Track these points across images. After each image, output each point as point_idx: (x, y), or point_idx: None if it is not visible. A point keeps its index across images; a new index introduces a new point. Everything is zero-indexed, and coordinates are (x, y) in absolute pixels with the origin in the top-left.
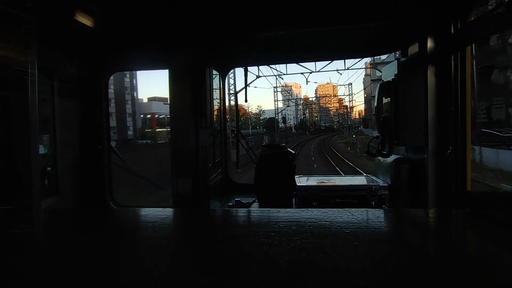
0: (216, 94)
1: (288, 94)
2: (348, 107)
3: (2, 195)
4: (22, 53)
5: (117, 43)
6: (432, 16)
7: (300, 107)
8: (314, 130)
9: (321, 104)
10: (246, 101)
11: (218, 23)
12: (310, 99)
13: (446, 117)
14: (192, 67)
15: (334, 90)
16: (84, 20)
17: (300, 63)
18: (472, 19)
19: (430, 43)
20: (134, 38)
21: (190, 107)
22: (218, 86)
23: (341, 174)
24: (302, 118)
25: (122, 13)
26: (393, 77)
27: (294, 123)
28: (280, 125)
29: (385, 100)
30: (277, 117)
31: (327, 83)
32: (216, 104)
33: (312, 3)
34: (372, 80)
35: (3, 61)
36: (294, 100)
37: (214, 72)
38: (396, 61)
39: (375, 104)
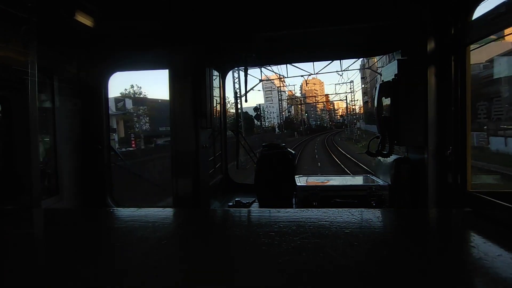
0: (216, 94)
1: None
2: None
3: (2, 195)
4: (22, 53)
5: (117, 43)
6: (432, 16)
7: (285, 103)
8: (304, 130)
9: (307, 101)
10: (246, 101)
11: (218, 23)
12: (296, 94)
13: (446, 117)
14: (192, 67)
15: (321, 85)
16: (84, 20)
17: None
18: (472, 19)
19: (430, 43)
20: (134, 38)
21: (190, 107)
22: (218, 86)
23: (342, 174)
24: (288, 115)
25: (122, 13)
26: (393, 77)
27: (278, 122)
28: (255, 122)
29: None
30: (240, 111)
31: (313, 78)
32: (216, 104)
33: (313, 3)
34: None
35: (3, 61)
36: (277, 91)
37: (214, 72)
38: (396, 61)
39: (375, 104)
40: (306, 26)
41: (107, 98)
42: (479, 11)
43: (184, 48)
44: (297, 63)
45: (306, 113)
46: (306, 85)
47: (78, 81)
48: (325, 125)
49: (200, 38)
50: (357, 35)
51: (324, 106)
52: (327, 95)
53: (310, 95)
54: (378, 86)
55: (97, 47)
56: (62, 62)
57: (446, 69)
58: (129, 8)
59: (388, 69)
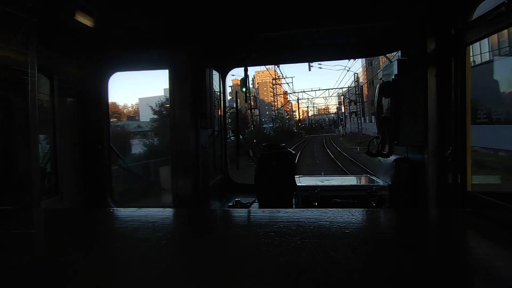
0: (215, 94)
1: None
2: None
3: (2, 195)
4: (22, 53)
5: (117, 43)
6: (432, 16)
7: (228, 99)
8: (250, 137)
9: (260, 97)
10: (246, 101)
11: (218, 23)
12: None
13: (446, 117)
14: (192, 67)
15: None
16: (84, 20)
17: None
18: (472, 19)
19: (430, 43)
20: (134, 38)
21: (190, 107)
22: (218, 86)
23: (342, 174)
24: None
25: (122, 13)
26: (393, 77)
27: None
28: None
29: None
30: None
31: (269, 69)
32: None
33: (313, 3)
34: None
35: (3, 61)
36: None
37: (214, 72)
38: (396, 61)
39: (375, 104)
40: (306, 26)
41: (107, 98)
42: (479, 11)
43: (184, 48)
44: (296, 63)
45: (254, 95)
46: (258, 79)
47: (78, 81)
48: (289, 127)
49: (200, 38)
50: (357, 35)
51: (282, 106)
52: (285, 93)
53: (264, 90)
54: (378, 86)
55: (97, 47)
56: (62, 62)
57: (446, 69)
58: (129, 8)
59: (388, 69)
